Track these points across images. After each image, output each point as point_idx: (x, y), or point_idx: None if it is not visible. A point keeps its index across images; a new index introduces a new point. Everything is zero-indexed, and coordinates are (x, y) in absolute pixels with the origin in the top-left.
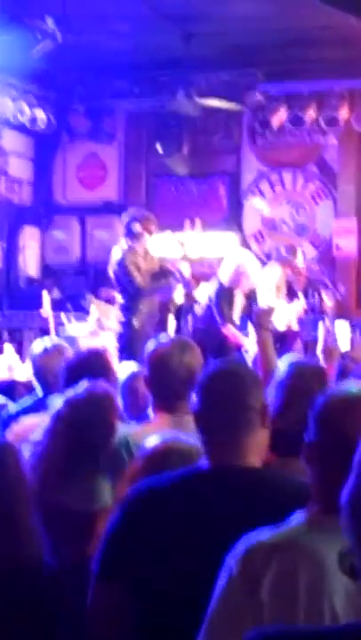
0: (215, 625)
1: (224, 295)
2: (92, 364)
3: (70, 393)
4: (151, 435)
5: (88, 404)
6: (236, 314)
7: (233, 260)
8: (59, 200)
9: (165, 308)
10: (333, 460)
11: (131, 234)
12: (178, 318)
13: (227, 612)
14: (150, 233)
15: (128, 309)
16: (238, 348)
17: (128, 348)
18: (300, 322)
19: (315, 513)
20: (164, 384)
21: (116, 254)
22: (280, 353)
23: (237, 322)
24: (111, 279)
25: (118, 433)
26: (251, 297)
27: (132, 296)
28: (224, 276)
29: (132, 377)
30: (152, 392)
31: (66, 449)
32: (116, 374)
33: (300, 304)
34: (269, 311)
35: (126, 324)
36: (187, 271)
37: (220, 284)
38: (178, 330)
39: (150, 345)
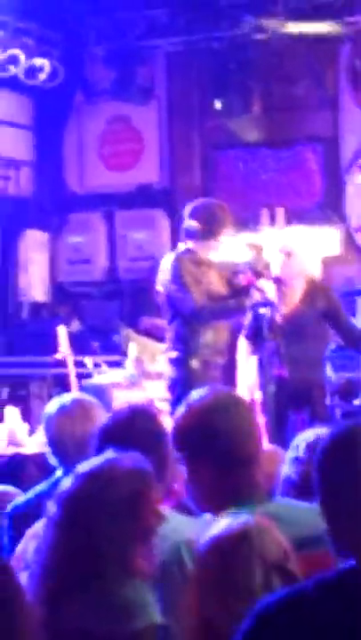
0: None
1: None
2: (135, 429)
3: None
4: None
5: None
6: None
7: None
8: (74, 189)
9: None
10: None
11: (193, 234)
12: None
13: None
14: (220, 233)
15: (183, 343)
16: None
17: (184, 400)
18: None
19: None
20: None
21: (166, 263)
22: None
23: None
24: (158, 301)
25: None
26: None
27: (189, 322)
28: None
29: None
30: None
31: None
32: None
33: None
34: None
35: (180, 365)
36: (271, 290)
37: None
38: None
39: (186, 401)
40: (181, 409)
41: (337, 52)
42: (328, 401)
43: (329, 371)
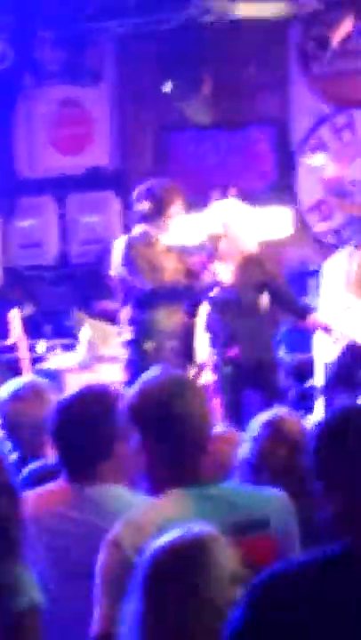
0: None
1: None
2: (91, 412)
3: None
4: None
5: None
6: None
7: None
8: (24, 172)
9: (192, 324)
10: None
11: (144, 216)
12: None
13: None
14: (172, 213)
15: (137, 326)
16: None
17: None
18: None
19: None
20: (168, 442)
21: (119, 246)
22: None
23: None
24: (111, 284)
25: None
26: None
27: (142, 305)
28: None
29: None
30: (154, 451)
31: None
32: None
33: None
34: None
35: (134, 347)
36: (224, 273)
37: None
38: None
39: (139, 382)
40: (136, 387)
41: (286, 32)
42: (282, 381)
43: (282, 351)
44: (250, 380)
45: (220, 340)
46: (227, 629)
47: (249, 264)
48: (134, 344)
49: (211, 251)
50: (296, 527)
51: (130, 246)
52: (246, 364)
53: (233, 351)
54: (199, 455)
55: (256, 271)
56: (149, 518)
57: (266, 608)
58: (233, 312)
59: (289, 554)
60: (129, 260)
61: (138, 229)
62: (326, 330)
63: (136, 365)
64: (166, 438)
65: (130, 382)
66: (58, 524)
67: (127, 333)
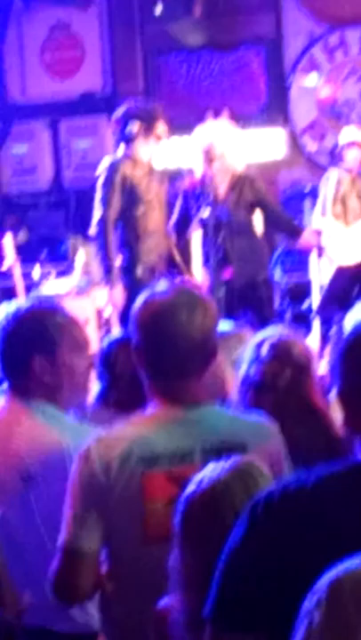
0: None
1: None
2: (28, 328)
3: None
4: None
5: None
6: None
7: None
8: (15, 97)
9: (184, 247)
10: None
11: (126, 137)
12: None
13: None
14: (159, 135)
15: (128, 249)
16: None
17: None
18: None
19: None
20: (162, 356)
21: (102, 165)
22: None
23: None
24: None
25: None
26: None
27: (133, 228)
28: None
29: (113, 346)
30: (145, 370)
31: None
32: (87, 346)
33: None
34: None
35: (126, 273)
36: (215, 193)
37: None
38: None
39: (141, 298)
40: (142, 298)
41: None
42: (277, 302)
43: (278, 273)
44: (244, 301)
45: (213, 261)
46: (226, 548)
47: (239, 183)
48: (126, 270)
49: (202, 172)
50: (283, 453)
51: (111, 166)
52: (240, 284)
53: (227, 272)
54: (194, 375)
55: (246, 190)
56: (120, 435)
57: (266, 525)
58: (225, 232)
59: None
60: (107, 180)
61: (124, 151)
62: (319, 249)
63: (128, 291)
64: (162, 352)
65: (123, 308)
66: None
67: (117, 259)
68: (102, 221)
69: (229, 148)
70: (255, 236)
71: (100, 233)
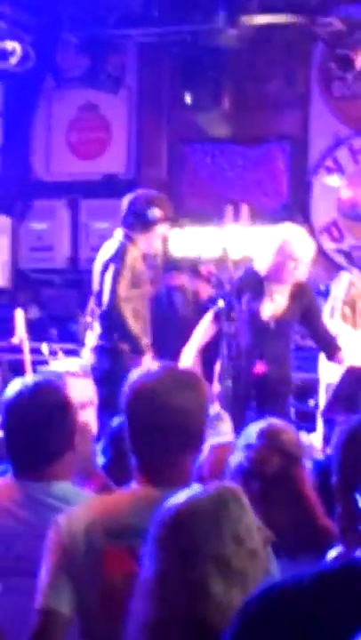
0: None
1: (249, 285)
2: (39, 402)
3: None
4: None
5: None
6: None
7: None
8: (39, 175)
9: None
10: None
11: (142, 223)
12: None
13: None
14: (159, 225)
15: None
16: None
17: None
18: None
19: None
20: (141, 437)
21: (110, 246)
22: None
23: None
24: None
25: None
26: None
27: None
28: (261, 261)
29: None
30: (130, 449)
31: None
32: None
33: None
34: None
35: (111, 356)
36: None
37: (248, 272)
38: (207, 362)
39: (130, 379)
40: (133, 376)
41: (310, 51)
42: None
43: None
44: (265, 396)
45: (243, 353)
46: None
47: (300, 290)
48: (110, 352)
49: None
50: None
51: (123, 247)
52: (271, 380)
53: (261, 367)
54: (175, 456)
55: (306, 298)
56: (90, 509)
57: (260, 622)
58: (274, 335)
59: None
60: (118, 258)
61: (126, 234)
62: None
63: (114, 374)
64: (141, 433)
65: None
66: (2, 520)
67: (125, 345)
68: (116, 296)
69: (307, 256)
70: (292, 339)
71: (115, 307)
